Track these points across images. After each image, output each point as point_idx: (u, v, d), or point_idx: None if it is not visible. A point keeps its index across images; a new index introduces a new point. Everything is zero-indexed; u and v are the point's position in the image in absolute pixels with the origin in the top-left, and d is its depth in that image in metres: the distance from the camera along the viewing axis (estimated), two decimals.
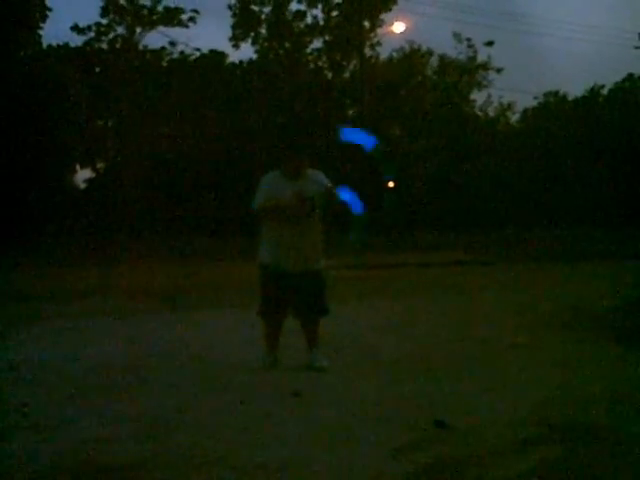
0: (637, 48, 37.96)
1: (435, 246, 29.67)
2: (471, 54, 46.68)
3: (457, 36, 46.28)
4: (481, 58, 46.75)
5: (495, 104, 50.76)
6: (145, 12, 38.93)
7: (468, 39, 46.23)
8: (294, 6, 42.42)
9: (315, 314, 6.09)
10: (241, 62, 42.91)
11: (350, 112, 44.58)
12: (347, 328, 7.39)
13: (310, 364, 5.96)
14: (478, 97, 50.44)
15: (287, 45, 42.88)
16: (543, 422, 4.17)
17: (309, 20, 42.70)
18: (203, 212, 37.45)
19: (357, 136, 6.16)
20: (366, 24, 42.47)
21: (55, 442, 3.94)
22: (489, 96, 49.93)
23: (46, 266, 20.94)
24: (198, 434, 4.07)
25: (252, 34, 42.36)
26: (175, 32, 42.20)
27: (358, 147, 6.27)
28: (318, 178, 6.02)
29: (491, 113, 50.93)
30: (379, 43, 43.77)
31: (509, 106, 51.29)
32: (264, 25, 42.42)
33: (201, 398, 4.95)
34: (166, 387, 5.28)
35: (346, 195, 6.14)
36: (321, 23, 42.66)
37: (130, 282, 15.42)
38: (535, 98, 50.83)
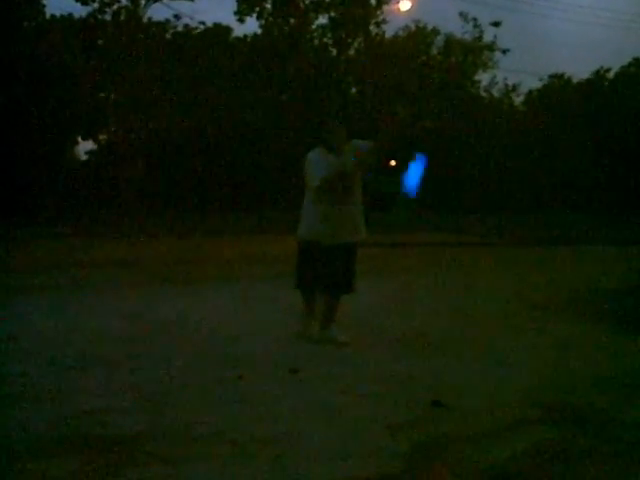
0: None
1: (437, 226, 29.65)
2: (477, 34, 46.39)
3: (463, 16, 46.00)
4: (487, 38, 46.48)
5: (500, 85, 50.55)
6: None
7: (474, 19, 45.96)
8: None
9: (340, 290, 6.15)
10: (245, 37, 42.67)
11: (353, 90, 44.43)
12: (347, 306, 7.38)
13: (327, 339, 6.02)
14: (483, 78, 50.19)
15: (292, 21, 42.58)
16: (539, 404, 4.19)
17: None
18: (204, 187, 37.44)
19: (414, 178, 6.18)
20: (372, 1, 42.17)
21: (53, 413, 3.95)
22: (494, 77, 49.71)
23: (45, 238, 20.94)
24: (196, 408, 4.09)
25: (257, 9, 42.05)
26: (180, 5, 42.00)
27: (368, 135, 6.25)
28: (357, 147, 6.02)
29: (496, 94, 50.71)
30: (385, 21, 43.43)
31: (514, 88, 51.05)
32: (269, 0, 42.10)
33: (199, 372, 4.96)
34: (164, 360, 5.29)
35: (412, 178, 6.13)
36: None
37: (130, 255, 15.44)
38: (540, 80, 50.60)
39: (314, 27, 43.51)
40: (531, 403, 4.21)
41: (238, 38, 42.52)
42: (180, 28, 41.08)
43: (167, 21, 40.38)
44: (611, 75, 50.54)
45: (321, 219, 6.04)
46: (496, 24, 44.76)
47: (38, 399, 4.24)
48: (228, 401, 4.22)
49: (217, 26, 41.41)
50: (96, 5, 38.29)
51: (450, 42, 46.85)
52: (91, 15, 38.30)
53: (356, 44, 43.98)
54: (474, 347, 5.88)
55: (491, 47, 46.50)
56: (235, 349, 5.71)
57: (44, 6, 35.76)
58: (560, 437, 3.64)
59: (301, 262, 6.20)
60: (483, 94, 49.70)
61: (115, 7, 38.55)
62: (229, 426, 3.73)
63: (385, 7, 42.37)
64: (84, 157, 42.63)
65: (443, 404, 4.11)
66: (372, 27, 43.08)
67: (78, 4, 37.96)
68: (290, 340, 6.05)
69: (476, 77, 48.55)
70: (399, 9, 40.38)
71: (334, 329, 6.11)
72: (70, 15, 37.72)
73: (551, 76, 51.26)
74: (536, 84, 52.05)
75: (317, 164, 6.01)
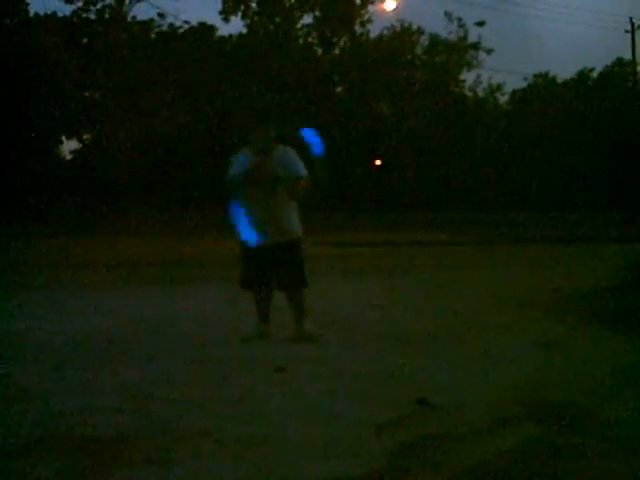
0: (628, 32, 37.99)
1: (421, 225, 29.73)
2: (462, 34, 46.55)
3: (448, 15, 46.13)
4: (472, 38, 46.62)
5: (484, 85, 50.71)
6: None
7: (459, 19, 46.14)
8: None
9: (293, 286, 6.14)
10: (230, 36, 42.58)
11: (339, 89, 44.43)
12: (330, 305, 7.40)
13: (300, 335, 6.02)
14: (468, 77, 50.31)
15: (277, 20, 42.55)
16: (524, 401, 4.20)
17: None
18: (190, 185, 37.33)
19: (312, 139, 6.14)
20: (357, 0, 42.22)
21: (38, 413, 3.94)
22: (479, 76, 49.87)
23: (30, 237, 20.83)
24: (181, 407, 4.08)
25: (242, 8, 41.99)
26: (164, 3, 41.87)
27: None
28: (287, 159, 6.04)
29: (480, 93, 50.88)
30: (370, 20, 43.53)
31: (498, 87, 51.24)
32: None
33: (184, 371, 4.95)
34: (149, 360, 5.28)
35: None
36: None
37: (115, 255, 15.38)
38: (525, 79, 50.83)
39: (299, 26, 43.50)
40: (516, 401, 4.22)
41: (223, 37, 42.42)
42: (165, 27, 40.99)
43: (151, 20, 40.26)
44: (595, 75, 50.83)
45: (252, 220, 6.03)
46: (481, 24, 44.96)
47: (23, 399, 4.22)
48: (213, 401, 4.21)
49: (202, 25, 41.30)
50: (80, 3, 38.12)
51: (435, 42, 46.96)
52: (75, 13, 38.11)
53: (341, 43, 43.99)
54: (459, 345, 5.89)
55: (476, 46, 46.65)
56: (220, 348, 5.71)
57: (27, 4, 35.54)
58: (545, 435, 3.65)
59: (243, 262, 6.22)
60: (468, 93, 49.86)
61: (99, 6, 38.38)
62: (214, 426, 3.72)
63: (370, 6, 42.46)
64: (68, 156, 42.41)
65: (428, 402, 4.11)
66: (357, 26, 43.15)
67: (62, 2, 37.80)
68: (275, 339, 6.05)
69: (461, 76, 48.72)
70: (384, 8, 40.47)
71: (307, 323, 6.13)
72: (54, 13, 37.51)
73: (536, 75, 51.49)
74: (521, 83, 52.30)
75: (237, 163, 6.09)
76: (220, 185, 6.49)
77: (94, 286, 10.06)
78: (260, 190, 5.94)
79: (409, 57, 46.22)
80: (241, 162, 6.08)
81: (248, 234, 6.00)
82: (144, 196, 35.69)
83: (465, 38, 46.59)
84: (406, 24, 46.29)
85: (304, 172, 6.03)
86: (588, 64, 51.24)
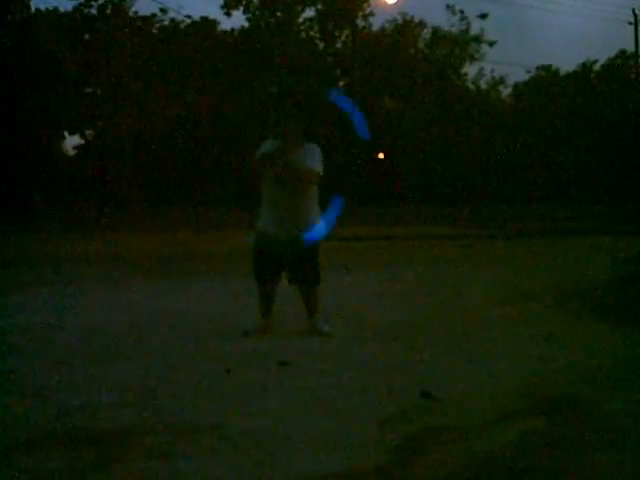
0: (631, 24, 37.86)
1: (423, 219, 29.69)
2: (464, 26, 46.40)
3: (450, 8, 46.01)
4: (474, 31, 46.49)
5: (487, 77, 50.56)
6: None
7: (461, 11, 45.99)
8: None
9: (308, 283, 6.17)
10: (232, 30, 42.53)
11: (341, 83, 44.35)
12: (334, 298, 7.40)
13: (313, 329, 6.09)
14: (470, 70, 50.19)
15: (279, 14, 42.46)
16: (527, 395, 4.21)
17: None
18: (192, 181, 37.32)
19: (350, 110, 6.17)
20: None
21: (42, 409, 3.95)
22: (481, 69, 49.72)
23: (33, 233, 20.86)
24: (185, 402, 4.09)
25: (244, 2, 41.91)
26: None
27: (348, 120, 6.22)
28: (310, 156, 6.05)
29: (483, 86, 50.74)
30: (372, 14, 43.44)
31: (501, 80, 51.09)
32: None
33: (188, 366, 4.96)
34: (153, 354, 5.29)
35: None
36: None
37: (117, 250, 15.39)
38: (527, 72, 50.70)
39: (301, 20, 43.42)
40: (519, 394, 4.23)
41: (225, 32, 42.38)
42: (167, 22, 40.95)
43: (153, 15, 40.23)
44: (597, 67, 50.68)
45: (274, 212, 6.07)
46: (483, 16, 44.83)
47: (27, 394, 4.23)
48: (217, 395, 4.22)
49: (204, 20, 41.26)
50: None
51: (437, 34, 46.84)
52: (77, 9, 38.09)
53: (343, 37, 43.90)
54: (462, 339, 5.90)
55: (478, 39, 46.51)
56: (224, 343, 5.71)
57: (30, 0, 35.52)
58: (548, 427, 3.66)
59: (257, 254, 6.22)
60: (470, 86, 49.73)
61: (101, 1, 38.36)
62: (218, 420, 3.73)
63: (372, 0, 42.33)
64: (71, 152, 42.44)
65: (432, 396, 4.12)
66: (359, 20, 43.03)
67: None
68: (279, 333, 6.06)
69: (463, 69, 48.59)
70: (386, 1, 40.33)
71: (318, 319, 6.15)
72: (56, 9, 37.53)
73: (538, 68, 51.34)
74: (523, 76, 52.15)
75: (265, 145, 6.14)
76: (225, 181, 6.50)
77: (96, 281, 10.07)
78: (282, 185, 5.96)
79: (411, 50, 46.12)
80: (267, 147, 6.13)
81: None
82: (147, 191, 35.71)
83: (467, 31, 46.49)
84: (408, 17, 46.24)
85: (320, 171, 6.05)
86: (591, 56, 51.16)
